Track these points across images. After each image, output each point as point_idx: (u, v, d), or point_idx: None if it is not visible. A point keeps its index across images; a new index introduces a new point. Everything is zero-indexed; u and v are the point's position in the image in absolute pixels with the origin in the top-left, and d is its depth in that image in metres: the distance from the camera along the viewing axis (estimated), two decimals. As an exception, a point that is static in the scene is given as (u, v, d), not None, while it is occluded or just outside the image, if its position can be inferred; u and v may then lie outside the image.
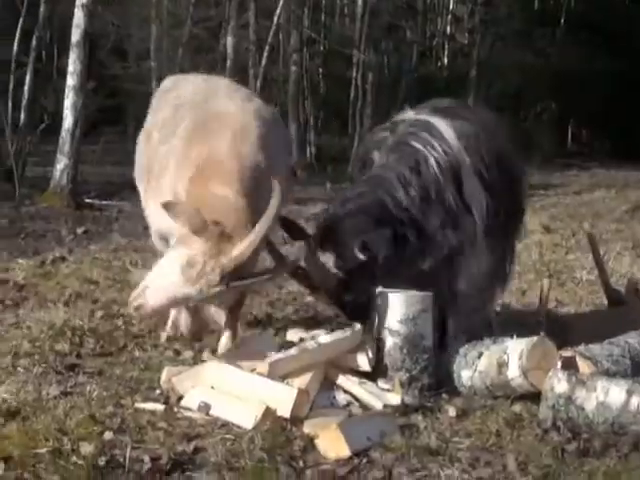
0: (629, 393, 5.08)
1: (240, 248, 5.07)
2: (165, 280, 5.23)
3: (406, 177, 5.45)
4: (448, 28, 29.78)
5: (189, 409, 5.17)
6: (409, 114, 5.64)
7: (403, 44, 27.82)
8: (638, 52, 27.84)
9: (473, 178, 5.30)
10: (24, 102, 20.71)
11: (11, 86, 19.12)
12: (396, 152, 5.61)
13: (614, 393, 5.12)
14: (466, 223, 5.30)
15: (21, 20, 21.29)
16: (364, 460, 4.61)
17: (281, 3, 20.55)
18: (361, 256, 5.33)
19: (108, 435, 4.70)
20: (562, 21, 29.38)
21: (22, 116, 20.22)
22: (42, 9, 21.79)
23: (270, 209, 5.15)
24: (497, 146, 5.64)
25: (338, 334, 5.61)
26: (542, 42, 27.47)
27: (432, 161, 5.17)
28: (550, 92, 27.22)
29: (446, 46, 29.47)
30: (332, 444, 4.66)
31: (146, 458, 4.44)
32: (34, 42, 20.95)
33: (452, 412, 5.27)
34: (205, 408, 5.12)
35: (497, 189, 5.45)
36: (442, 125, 5.37)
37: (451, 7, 29.74)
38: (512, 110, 23.48)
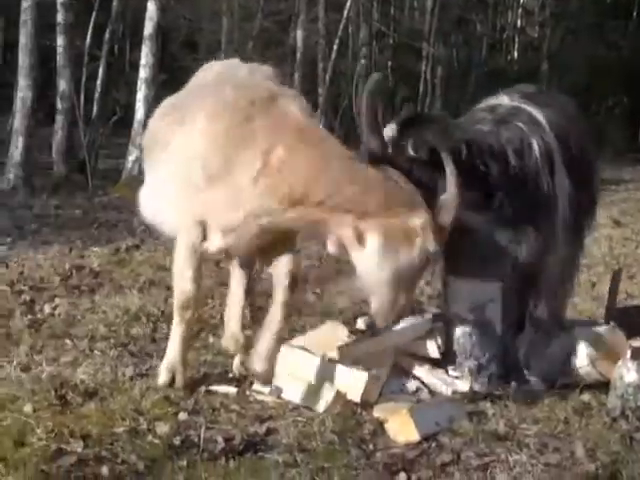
0: (697, 382, 5.10)
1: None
2: None
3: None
4: (519, 21, 29.57)
5: (261, 392, 5.24)
6: (504, 99, 5.55)
7: (473, 37, 27.69)
8: None
9: (562, 169, 5.23)
10: (97, 95, 20.91)
11: (84, 79, 19.31)
12: (503, 127, 5.40)
13: (682, 382, 5.13)
14: (553, 214, 5.23)
15: (94, 14, 21.53)
16: (433, 444, 4.65)
17: (351, -3, 20.56)
18: None
19: (183, 416, 4.80)
20: (635, 14, 29.05)
21: (95, 109, 20.43)
22: (115, 3, 21.99)
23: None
24: (581, 138, 5.58)
25: (408, 321, 5.66)
26: (614, 35, 27.16)
27: (535, 145, 5.11)
28: (622, 86, 26.95)
29: (516, 39, 29.27)
30: (402, 428, 4.70)
31: (219, 438, 4.50)
32: (107, 36, 21.15)
33: (518, 398, 5.29)
34: (277, 391, 5.18)
35: (579, 181, 5.39)
36: (537, 113, 5.30)
37: (522, 0, 29.53)
38: (583, 104, 23.13)
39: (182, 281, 5.14)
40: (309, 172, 4.71)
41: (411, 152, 5.07)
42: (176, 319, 5.26)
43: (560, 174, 5.15)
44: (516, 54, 28.49)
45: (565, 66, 25.43)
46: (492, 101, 5.68)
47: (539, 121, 5.15)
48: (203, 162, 4.92)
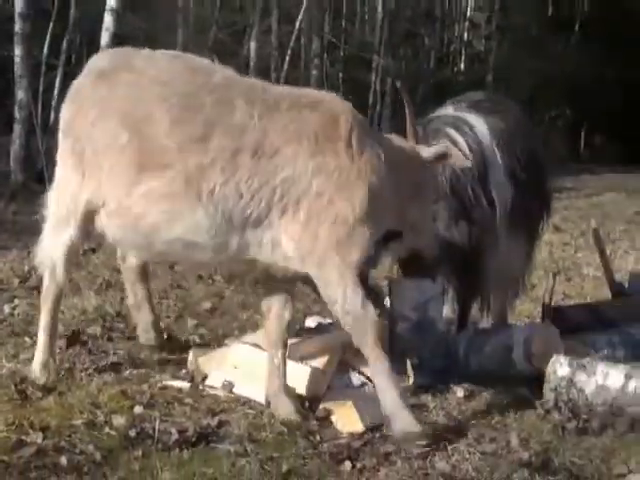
0: (627, 377, 5.21)
1: None
2: None
3: None
4: (465, 35, 29.71)
5: (213, 387, 5.32)
6: (449, 109, 5.64)
7: (421, 50, 27.80)
8: (650, 60, 27.83)
9: (500, 173, 5.27)
10: (54, 103, 20.86)
11: (41, 88, 19.24)
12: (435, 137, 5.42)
13: (613, 377, 5.25)
14: (486, 216, 5.28)
15: (51, 24, 21.48)
16: (377, 435, 4.76)
17: (303, 9, 20.63)
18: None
19: (138, 409, 4.88)
20: (576, 28, 29.32)
21: (52, 117, 20.37)
22: (72, 13, 21.98)
23: None
24: (528, 142, 5.60)
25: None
26: (556, 48, 27.40)
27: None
28: (564, 98, 27.20)
29: (463, 52, 29.38)
30: (347, 420, 4.83)
31: (173, 430, 4.59)
32: (64, 45, 21.12)
33: (460, 393, 5.40)
34: (229, 386, 5.27)
35: (526, 182, 5.45)
36: (477, 121, 5.36)
37: (468, 14, 29.63)
38: (527, 115, 23.42)
39: None
40: None
41: None
42: None
43: (498, 175, 5.19)
44: (463, 66, 28.60)
45: (510, 78, 25.64)
46: (439, 111, 5.73)
47: (476, 128, 5.17)
48: None
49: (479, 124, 5.29)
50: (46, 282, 5.33)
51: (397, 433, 4.66)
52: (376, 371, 4.83)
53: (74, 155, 5.16)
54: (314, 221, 4.66)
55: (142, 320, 6.01)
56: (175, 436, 4.54)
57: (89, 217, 5.17)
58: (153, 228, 4.86)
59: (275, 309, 5.11)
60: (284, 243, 4.75)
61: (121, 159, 4.88)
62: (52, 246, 5.32)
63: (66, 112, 5.30)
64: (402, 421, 4.67)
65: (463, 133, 5.15)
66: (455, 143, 5.05)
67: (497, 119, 5.41)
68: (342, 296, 4.73)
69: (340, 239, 4.66)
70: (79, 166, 5.12)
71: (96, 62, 5.38)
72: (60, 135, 5.29)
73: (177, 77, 5.01)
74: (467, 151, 5.05)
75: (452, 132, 5.14)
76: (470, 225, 5.13)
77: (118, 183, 4.90)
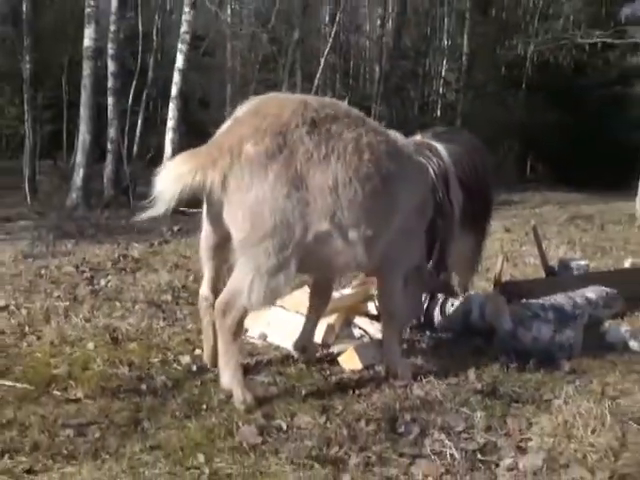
0: (554, 331, 5.28)
1: None
2: None
3: None
4: (441, 89, 29.68)
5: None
6: (418, 136, 5.63)
7: (407, 100, 27.84)
8: (578, 107, 27.73)
9: (456, 182, 5.27)
10: (136, 139, 21.07)
11: (127, 128, 19.41)
12: None
13: (544, 331, 5.31)
14: (448, 212, 5.14)
15: (134, 82, 21.66)
16: (371, 371, 4.83)
17: (320, 70, 20.70)
18: None
19: (198, 351, 4.95)
20: (523, 85, 29.32)
21: (135, 149, 20.57)
22: (150, 73, 22.16)
23: None
24: (477, 163, 5.61)
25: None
26: (508, 100, 27.39)
27: (431, 170, 5.01)
28: (514, 135, 27.17)
29: (439, 102, 29.35)
30: (349, 360, 4.89)
31: (223, 366, 4.69)
32: (144, 97, 21.28)
33: (432, 342, 5.49)
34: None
35: (473, 193, 5.43)
36: (439, 146, 5.23)
37: (443, 74, 29.64)
38: (486, 148, 23.27)
39: None
40: None
41: None
42: None
43: (454, 188, 5.18)
44: (439, 112, 28.49)
45: (474, 121, 25.56)
46: (410, 138, 5.75)
47: (439, 151, 5.18)
48: None
49: (440, 147, 5.29)
50: None
51: (394, 370, 4.72)
52: (386, 327, 4.86)
53: None
54: None
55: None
56: (224, 370, 4.63)
57: None
58: None
59: (317, 289, 4.99)
60: None
61: None
62: None
63: None
64: (398, 363, 4.76)
65: (431, 153, 5.15)
66: (429, 159, 5.08)
67: (452, 145, 5.39)
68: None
69: None
70: None
71: None
72: None
73: None
74: (436, 167, 5.11)
75: (426, 152, 5.14)
76: (440, 221, 5.14)
77: None
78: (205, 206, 4.27)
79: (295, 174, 4.01)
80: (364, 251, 4.29)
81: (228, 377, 4.20)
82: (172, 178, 3.87)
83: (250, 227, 3.96)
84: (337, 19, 21.11)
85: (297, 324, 5.12)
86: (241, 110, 4.26)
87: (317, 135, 4.09)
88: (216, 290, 4.36)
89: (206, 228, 4.35)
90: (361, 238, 4.24)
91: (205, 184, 3.90)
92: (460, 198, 5.21)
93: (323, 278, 4.90)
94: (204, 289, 4.52)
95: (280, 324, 5.34)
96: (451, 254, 5.36)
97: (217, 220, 4.14)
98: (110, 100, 16.69)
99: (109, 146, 16.84)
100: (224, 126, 4.25)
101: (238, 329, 4.20)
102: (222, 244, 4.21)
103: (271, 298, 4.16)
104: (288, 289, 4.52)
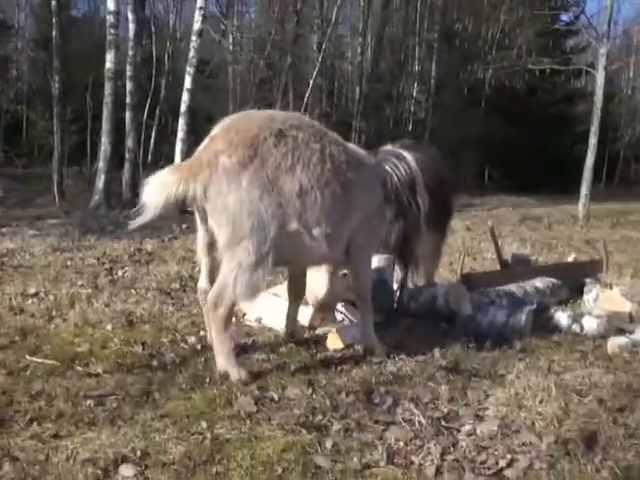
0: (508, 316, 5.31)
1: None
2: None
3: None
4: (412, 107, 29.65)
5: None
6: (388, 147, 5.59)
7: (383, 117, 27.80)
8: (530, 124, 27.80)
9: (422, 187, 5.24)
10: (151, 149, 20.97)
11: (142, 139, 19.32)
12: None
13: (499, 316, 5.34)
14: (414, 214, 5.14)
15: (149, 99, 21.58)
16: (351, 350, 4.82)
17: (309, 91, 20.61)
18: None
19: (202, 332, 4.93)
20: (483, 104, 29.32)
21: (149, 157, 20.46)
22: (162, 92, 22.07)
23: None
24: (438, 170, 5.58)
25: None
26: (470, 117, 27.32)
27: (394, 177, 5.03)
28: (475, 147, 27.16)
29: (411, 119, 29.33)
30: (333, 340, 4.88)
31: (224, 345, 4.67)
32: (157, 112, 21.19)
33: (403, 325, 5.47)
34: (259, 319, 5.35)
35: (437, 196, 5.42)
36: (407, 154, 5.25)
37: (414, 94, 29.60)
38: (450, 158, 23.30)
39: None
40: None
41: None
42: None
43: (421, 192, 5.15)
44: (410, 127, 28.38)
45: (440, 136, 25.50)
46: (382, 148, 5.70)
47: (407, 159, 5.18)
48: None
49: (408, 156, 5.28)
50: None
51: (370, 348, 4.72)
52: (364, 313, 4.84)
53: None
54: None
55: None
56: (225, 349, 4.61)
57: None
58: None
59: (293, 279, 5.00)
60: None
61: None
62: None
63: None
64: (374, 345, 4.75)
65: (399, 161, 5.14)
66: (397, 166, 5.12)
67: (418, 154, 5.39)
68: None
69: None
70: None
71: None
72: None
73: None
74: (403, 172, 5.12)
75: (394, 159, 5.16)
76: (405, 221, 5.14)
77: None
78: (195, 212, 4.29)
79: (267, 180, 4.04)
80: (327, 246, 4.32)
81: (223, 360, 4.19)
82: (157, 189, 3.91)
83: (231, 229, 4.01)
84: (324, 47, 21.01)
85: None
86: (216, 129, 4.29)
87: (284, 145, 4.12)
88: (212, 283, 4.33)
89: (200, 230, 4.36)
90: (323, 235, 4.27)
91: (188, 194, 3.96)
92: (426, 200, 5.20)
93: (297, 269, 4.90)
94: (202, 282, 4.50)
95: (273, 309, 5.31)
96: (417, 249, 5.38)
97: (206, 223, 4.17)
98: (128, 115, 16.57)
99: (127, 154, 16.68)
100: (203, 143, 4.26)
101: (228, 319, 4.20)
102: (214, 243, 4.20)
103: (253, 290, 4.14)
104: (265, 282, 4.44)
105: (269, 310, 5.33)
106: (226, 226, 4.01)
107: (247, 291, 4.09)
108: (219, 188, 3.97)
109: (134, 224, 4.02)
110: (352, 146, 4.84)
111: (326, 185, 4.24)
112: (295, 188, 4.10)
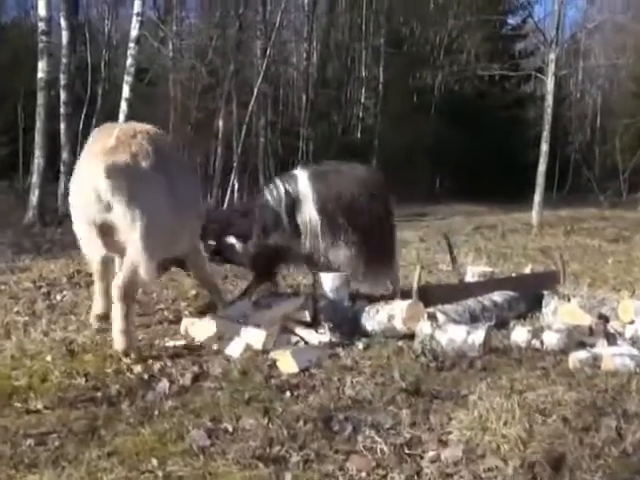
0: (467, 333, 5.31)
1: None
2: None
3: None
4: (360, 114, 29.87)
5: (200, 343, 5.30)
6: (295, 171, 6.23)
7: (331, 124, 27.94)
8: (481, 129, 28.27)
9: (311, 205, 5.89)
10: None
11: (78, 151, 18.94)
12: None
13: (459, 333, 5.35)
14: (286, 232, 5.97)
15: (85, 108, 21.27)
16: (307, 374, 4.76)
17: (253, 99, 20.57)
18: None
19: (149, 361, 4.84)
20: (432, 110, 29.71)
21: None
22: (99, 100, 21.77)
23: None
24: (343, 190, 6.04)
25: (292, 299, 5.80)
26: (420, 123, 27.65)
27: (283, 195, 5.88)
28: (426, 155, 27.46)
29: (359, 125, 29.52)
30: (287, 364, 4.82)
31: (174, 372, 4.65)
32: (94, 122, 20.80)
33: (360, 346, 5.42)
34: (208, 342, 5.26)
35: (343, 213, 5.99)
36: (301, 176, 5.93)
37: (362, 100, 29.84)
38: (401, 167, 23.48)
39: None
40: None
41: None
42: None
43: (307, 210, 5.89)
44: (359, 134, 28.65)
45: (389, 143, 25.78)
46: (292, 171, 6.34)
47: (299, 180, 5.91)
48: None
49: (302, 178, 5.90)
50: None
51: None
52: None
53: None
54: None
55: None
56: (174, 377, 4.56)
57: None
58: None
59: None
60: None
61: None
62: None
63: None
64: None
65: (287, 182, 5.91)
66: (276, 187, 5.96)
67: (322, 177, 6.01)
68: None
69: None
70: None
71: None
72: None
73: None
74: (282, 191, 5.89)
75: (278, 181, 5.97)
76: (274, 237, 5.88)
77: None
78: None
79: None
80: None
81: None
82: None
83: None
84: (268, 53, 21.01)
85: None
86: (87, 143, 5.22)
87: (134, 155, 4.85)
88: None
89: None
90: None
91: None
92: (315, 217, 5.91)
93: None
94: None
95: (223, 332, 5.30)
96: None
97: None
98: (62, 125, 16.35)
99: (62, 167, 16.42)
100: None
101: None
102: None
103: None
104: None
105: (219, 333, 5.28)
106: None
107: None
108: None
109: None
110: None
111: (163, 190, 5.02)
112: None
